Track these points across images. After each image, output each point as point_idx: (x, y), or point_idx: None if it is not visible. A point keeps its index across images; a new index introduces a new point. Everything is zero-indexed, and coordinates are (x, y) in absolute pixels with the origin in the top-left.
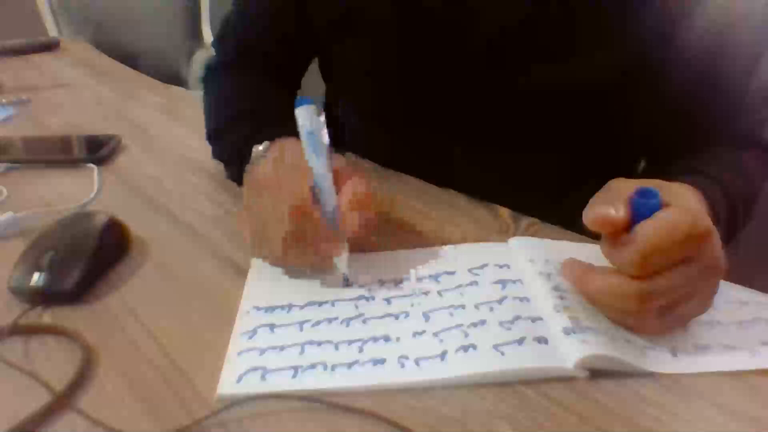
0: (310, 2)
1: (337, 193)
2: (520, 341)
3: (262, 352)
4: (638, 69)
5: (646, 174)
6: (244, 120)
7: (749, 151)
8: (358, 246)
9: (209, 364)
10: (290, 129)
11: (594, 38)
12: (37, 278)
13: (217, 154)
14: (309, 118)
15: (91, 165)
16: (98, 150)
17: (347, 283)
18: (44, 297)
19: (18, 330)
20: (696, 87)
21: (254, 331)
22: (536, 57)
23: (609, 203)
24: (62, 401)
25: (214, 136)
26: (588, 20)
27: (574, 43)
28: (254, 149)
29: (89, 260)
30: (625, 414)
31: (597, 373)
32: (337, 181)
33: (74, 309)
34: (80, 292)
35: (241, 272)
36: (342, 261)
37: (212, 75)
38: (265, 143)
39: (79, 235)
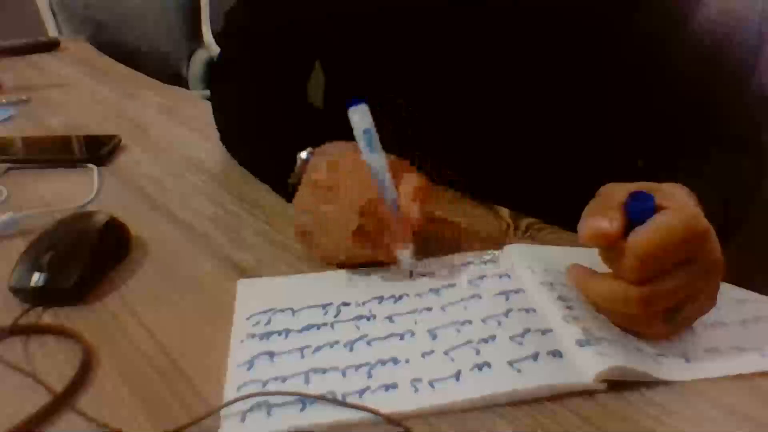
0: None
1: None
2: (535, 356)
3: (264, 384)
4: (638, 70)
5: (641, 175)
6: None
7: (744, 153)
8: (418, 238)
9: (209, 364)
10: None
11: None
12: (37, 278)
13: (246, 158)
14: (362, 117)
15: (91, 165)
16: (98, 150)
17: (412, 275)
18: (44, 297)
19: (18, 330)
20: (693, 89)
21: (251, 362)
22: (541, 53)
23: (602, 214)
24: (62, 401)
25: (241, 138)
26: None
27: (574, 43)
28: (297, 157)
29: (89, 260)
30: (625, 414)
31: None
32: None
33: (74, 309)
34: (80, 292)
35: (241, 272)
36: (406, 253)
37: (223, 73)
38: (308, 149)
39: (79, 235)
